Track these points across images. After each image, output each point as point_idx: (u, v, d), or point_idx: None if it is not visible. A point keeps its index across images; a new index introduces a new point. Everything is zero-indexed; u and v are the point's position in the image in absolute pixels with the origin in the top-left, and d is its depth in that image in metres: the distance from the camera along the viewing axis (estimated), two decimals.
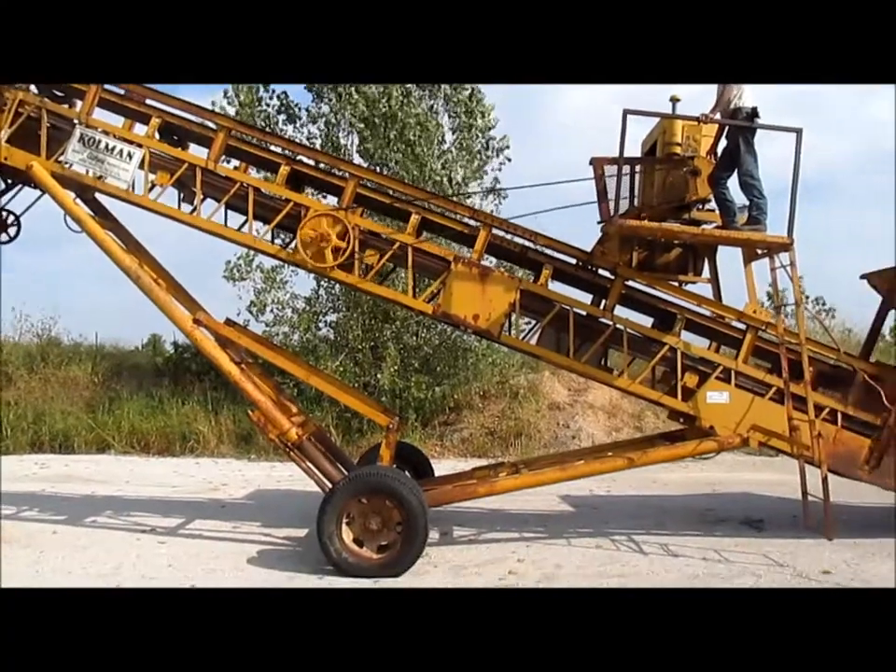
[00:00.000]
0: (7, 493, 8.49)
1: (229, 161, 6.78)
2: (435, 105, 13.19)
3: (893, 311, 7.54)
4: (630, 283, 6.51)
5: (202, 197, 6.35)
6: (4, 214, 6.98)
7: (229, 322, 6.58)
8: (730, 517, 7.38)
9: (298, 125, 13.26)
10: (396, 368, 11.88)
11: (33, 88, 6.37)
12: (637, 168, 6.58)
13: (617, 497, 8.66)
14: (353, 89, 12.38)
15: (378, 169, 11.84)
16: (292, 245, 6.43)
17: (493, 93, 13.77)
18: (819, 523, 6.03)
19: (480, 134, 13.01)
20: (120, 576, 5.41)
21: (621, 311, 6.54)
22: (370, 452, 7.40)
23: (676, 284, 6.56)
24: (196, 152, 6.54)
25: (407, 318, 12.24)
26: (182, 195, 6.64)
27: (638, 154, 6.90)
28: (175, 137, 6.63)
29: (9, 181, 6.84)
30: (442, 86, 12.89)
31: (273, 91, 13.13)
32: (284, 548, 6.27)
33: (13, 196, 6.93)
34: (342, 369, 12.01)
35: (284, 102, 13.20)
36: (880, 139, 36.38)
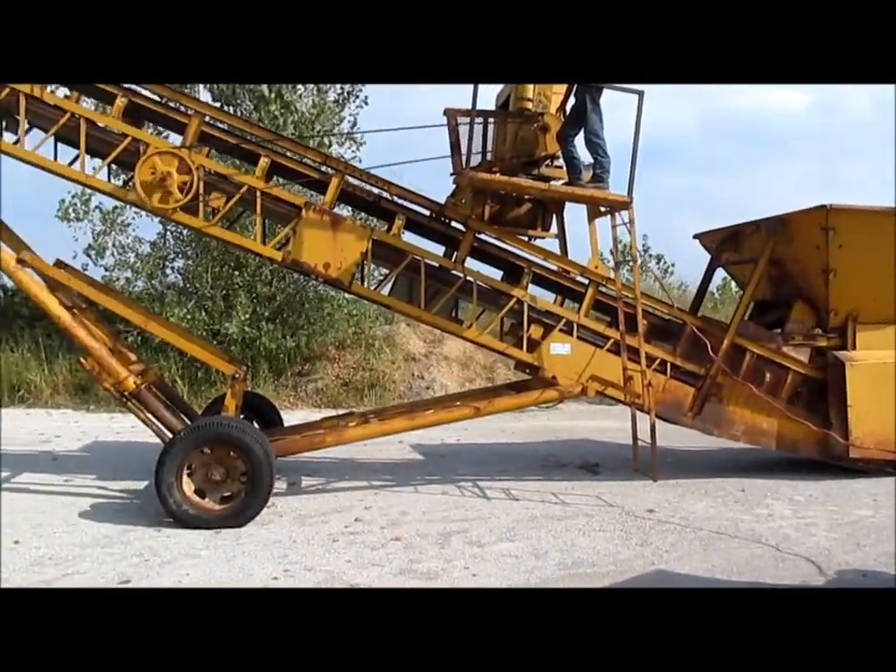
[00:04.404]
0: None
1: (56, 89, 6.23)
2: None
3: (721, 269, 8.15)
4: (481, 236, 6.62)
5: (27, 127, 5.81)
6: None
7: (59, 263, 6.12)
8: (569, 462, 7.79)
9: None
10: (247, 317, 11.54)
11: None
12: (490, 121, 6.65)
13: (466, 446, 8.92)
14: None
15: (231, 109, 11.34)
16: (131, 183, 6.04)
17: None
18: (647, 465, 6.49)
19: None
20: None
21: (472, 263, 6.66)
22: (215, 402, 7.18)
23: (525, 238, 6.74)
24: None
25: (260, 266, 11.87)
26: (5, 124, 6.06)
27: (493, 107, 6.98)
28: None
29: None
30: None
31: None
32: (120, 501, 6.01)
33: None
34: (189, 317, 11.52)
35: None
36: (722, 108, 38.75)
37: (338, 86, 12.72)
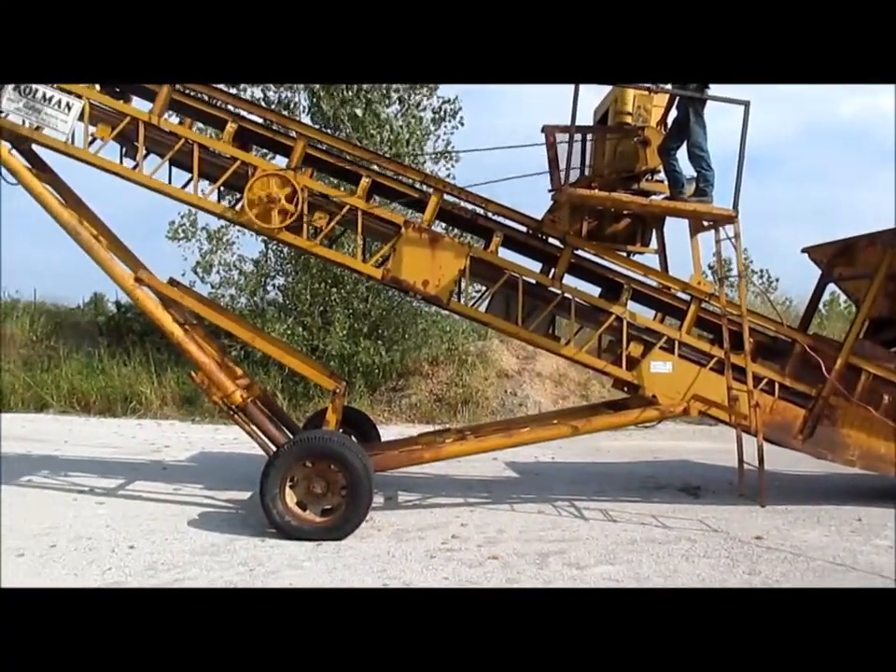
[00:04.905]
0: None
1: (170, 116, 6.56)
2: None
3: (832, 284, 7.77)
4: (579, 252, 6.55)
5: (144, 152, 6.13)
6: None
7: (172, 282, 6.43)
8: (669, 484, 7.57)
9: (241, 87, 12.89)
10: (344, 333, 11.80)
11: None
12: (589, 137, 6.59)
13: (561, 464, 8.81)
14: None
15: (330, 131, 11.66)
16: (239, 205, 6.29)
17: None
18: (754, 490, 6.23)
19: (428, 93, 12.87)
20: (54, 535, 5.33)
21: (569, 280, 6.59)
22: (315, 416, 7.35)
23: (624, 254, 6.62)
24: (140, 106, 6.30)
25: (357, 283, 12.15)
26: (124, 150, 6.42)
27: (591, 123, 6.91)
28: (118, 89, 6.37)
29: None
30: None
31: None
32: (226, 510, 6.22)
33: None
34: (289, 332, 11.88)
35: None
36: (822, 116, 37.15)
37: (435, 104, 12.95)
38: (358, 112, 12.06)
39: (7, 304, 15.13)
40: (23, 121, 5.95)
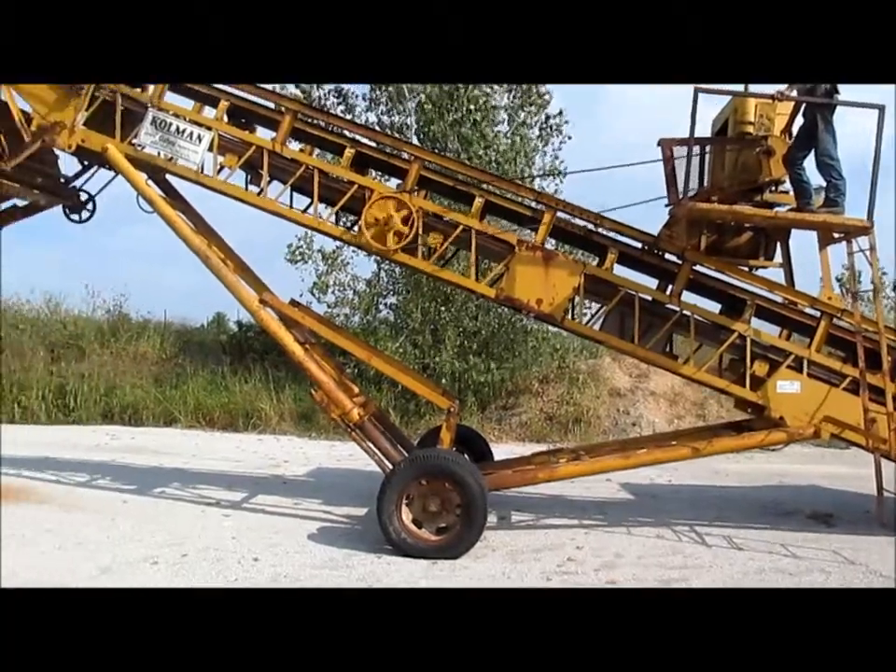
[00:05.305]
0: (80, 461, 8.87)
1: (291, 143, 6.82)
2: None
3: None
4: (698, 267, 6.35)
5: (268, 179, 6.40)
6: (80, 194, 7.24)
7: (293, 303, 6.66)
8: (797, 510, 7.15)
9: (356, 114, 13.35)
10: (455, 351, 11.88)
11: None
12: (708, 149, 6.39)
13: (679, 487, 8.50)
14: None
15: (440, 152, 11.85)
16: (356, 227, 6.47)
17: None
18: (894, 519, 5.81)
19: (535, 111, 12.87)
20: (185, 546, 5.59)
21: (688, 296, 6.39)
22: (429, 434, 7.42)
23: (746, 269, 6.36)
24: (263, 135, 6.61)
25: (466, 301, 12.23)
26: (249, 177, 6.74)
27: (708, 134, 6.71)
28: (243, 120, 6.71)
29: (85, 163, 7.09)
30: None
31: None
32: (343, 526, 6.35)
33: (90, 177, 7.19)
34: (401, 350, 12.09)
35: (341, 92, 13.35)
36: None
37: (541, 121, 12.97)
38: (467, 132, 12.20)
39: (139, 324, 16.13)
40: (158, 153, 6.36)
